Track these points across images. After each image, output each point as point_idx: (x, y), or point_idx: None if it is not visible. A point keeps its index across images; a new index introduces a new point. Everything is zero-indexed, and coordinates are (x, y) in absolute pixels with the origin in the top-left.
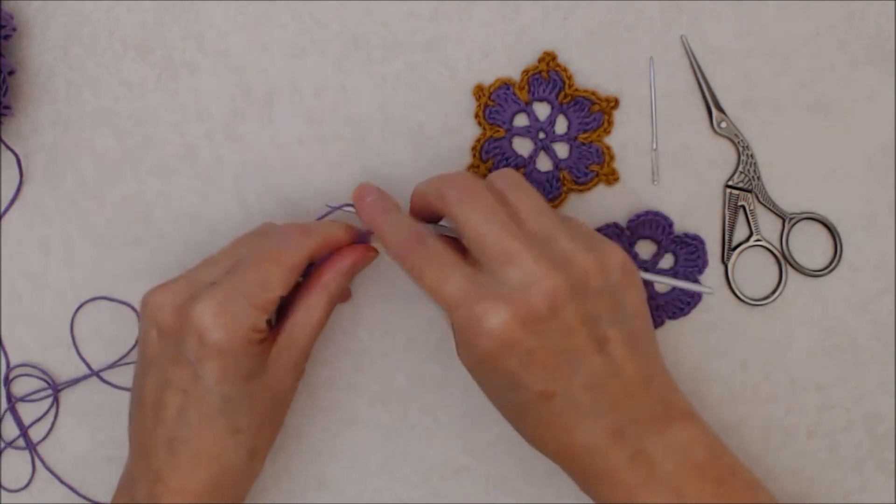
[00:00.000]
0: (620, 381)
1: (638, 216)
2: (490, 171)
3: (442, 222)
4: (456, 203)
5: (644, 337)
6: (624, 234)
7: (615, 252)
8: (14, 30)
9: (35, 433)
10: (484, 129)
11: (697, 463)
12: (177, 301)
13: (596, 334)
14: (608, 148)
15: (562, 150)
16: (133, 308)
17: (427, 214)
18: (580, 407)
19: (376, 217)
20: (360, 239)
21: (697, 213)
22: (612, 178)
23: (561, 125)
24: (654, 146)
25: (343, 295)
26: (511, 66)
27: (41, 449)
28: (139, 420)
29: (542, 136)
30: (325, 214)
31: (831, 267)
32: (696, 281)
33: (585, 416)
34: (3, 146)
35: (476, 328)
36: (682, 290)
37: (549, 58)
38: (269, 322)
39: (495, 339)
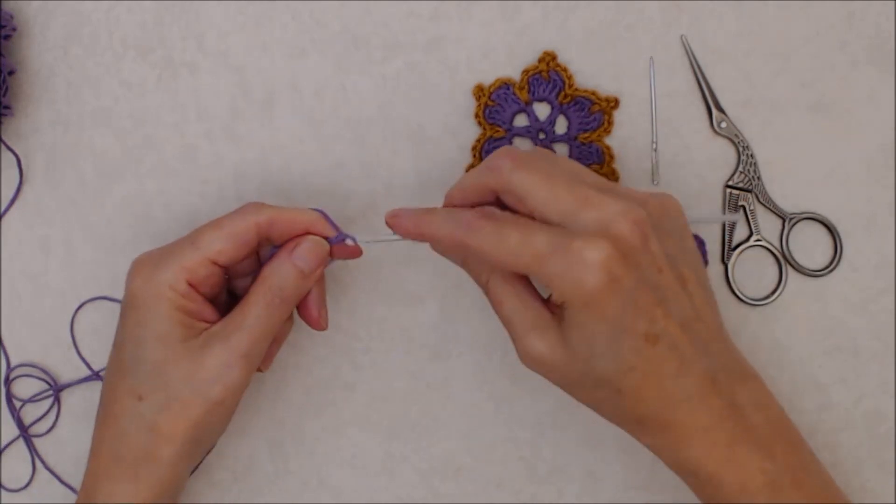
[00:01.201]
0: (705, 324)
1: None
2: None
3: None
4: (514, 169)
5: (708, 283)
6: None
7: (673, 198)
8: (14, 30)
9: (35, 432)
10: (484, 129)
11: (779, 420)
12: (136, 260)
13: (677, 272)
14: (608, 148)
15: (562, 150)
16: None
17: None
18: (679, 350)
19: (422, 219)
20: (333, 239)
21: (697, 213)
22: (612, 178)
23: (561, 125)
24: (654, 146)
25: (264, 363)
26: (511, 66)
27: (41, 449)
28: None
29: (542, 136)
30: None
31: (831, 267)
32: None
33: (686, 361)
34: (3, 146)
35: (579, 267)
36: None
37: (549, 58)
38: (214, 298)
39: (602, 272)
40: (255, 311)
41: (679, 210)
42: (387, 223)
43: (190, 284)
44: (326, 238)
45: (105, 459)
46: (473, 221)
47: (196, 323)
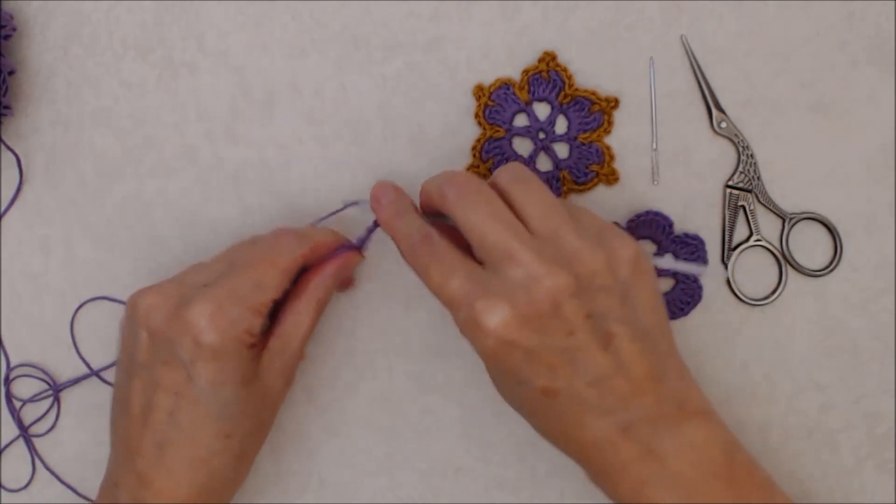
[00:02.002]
0: (628, 379)
1: (638, 216)
2: (490, 171)
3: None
4: (456, 203)
5: (656, 332)
6: None
7: (626, 246)
8: (14, 30)
9: (34, 433)
10: (484, 129)
11: (711, 462)
12: (169, 303)
13: (601, 332)
14: (608, 148)
15: (562, 150)
16: None
17: (434, 212)
18: (585, 404)
19: (391, 220)
20: (350, 245)
21: (697, 213)
22: (612, 178)
23: (561, 125)
24: (654, 146)
25: (345, 283)
26: (511, 66)
27: (41, 449)
28: (124, 423)
29: (542, 136)
30: (338, 210)
31: (831, 267)
32: (695, 280)
33: (591, 413)
34: (3, 146)
35: (476, 327)
36: (682, 290)
37: (549, 58)
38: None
39: (495, 337)
40: (308, 324)
41: (631, 260)
42: (370, 195)
43: (260, 324)
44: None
45: (188, 496)
46: (417, 245)
47: (260, 351)
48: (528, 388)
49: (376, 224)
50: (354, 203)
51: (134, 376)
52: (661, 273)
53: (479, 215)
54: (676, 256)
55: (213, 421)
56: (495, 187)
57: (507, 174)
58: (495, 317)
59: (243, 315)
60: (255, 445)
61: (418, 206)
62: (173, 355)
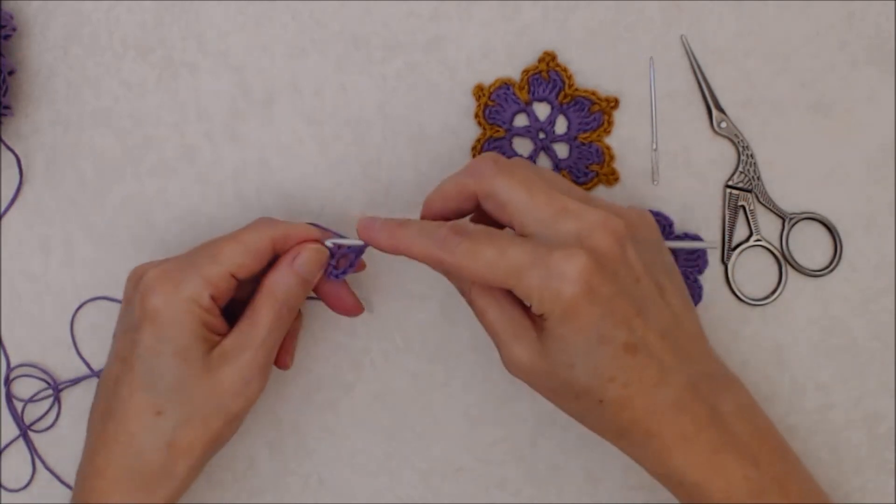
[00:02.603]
0: (685, 332)
1: None
2: None
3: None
4: (496, 174)
5: (687, 294)
6: None
7: (648, 214)
8: (14, 30)
9: (35, 433)
10: (484, 129)
11: (763, 427)
12: (137, 272)
13: (656, 281)
14: (608, 148)
15: (562, 150)
16: None
17: (451, 217)
18: (659, 359)
19: (395, 233)
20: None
21: (697, 213)
22: (612, 178)
23: (561, 125)
24: (654, 146)
25: (286, 359)
26: (511, 66)
27: (41, 449)
28: (96, 391)
29: (542, 136)
30: (339, 253)
31: (831, 267)
32: (695, 281)
33: (666, 370)
34: (3, 146)
35: (557, 279)
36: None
37: (549, 58)
38: (223, 307)
39: (580, 283)
40: (267, 323)
41: (654, 225)
42: (358, 233)
43: (212, 298)
44: (330, 248)
45: (115, 476)
46: (448, 238)
47: (213, 337)
48: (608, 347)
49: (362, 249)
50: (346, 244)
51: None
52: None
53: (519, 180)
54: (676, 258)
55: (144, 391)
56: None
57: (523, 162)
58: (576, 263)
59: (192, 281)
60: (193, 440)
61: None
62: (129, 321)
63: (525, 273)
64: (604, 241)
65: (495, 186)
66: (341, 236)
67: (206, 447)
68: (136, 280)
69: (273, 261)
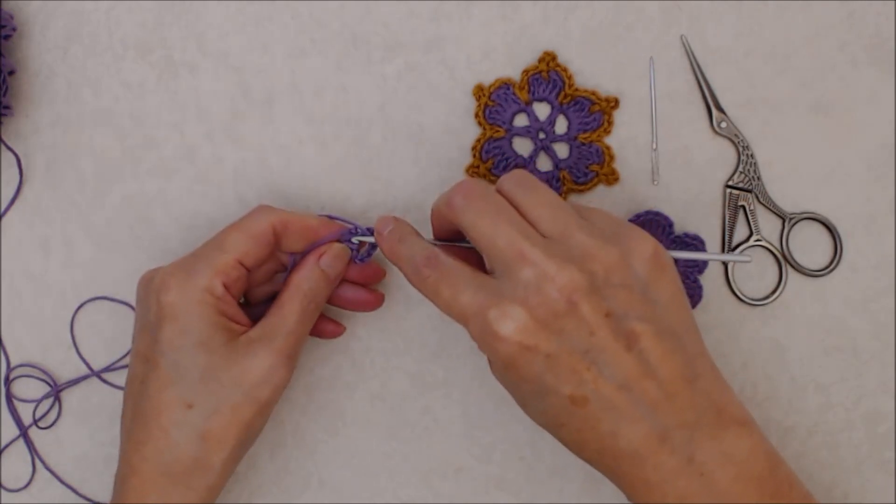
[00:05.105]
0: (657, 380)
1: (638, 216)
2: (490, 171)
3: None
4: (463, 209)
5: (682, 330)
6: None
7: (643, 241)
8: (14, 30)
9: (35, 433)
10: (484, 129)
11: (756, 476)
12: (149, 274)
13: (623, 331)
14: (608, 148)
15: (562, 150)
16: (133, 308)
17: (447, 232)
18: (616, 410)
19: (393, 247)
20: (342, 237)
21: (697, 213)
22: (612, 178)
23: (561, 125)
24: (654, 146)
25: (335, 329)
26: (511, 66)
27: (41, 449)
28: (123, 397)
29: (542, 136)
30: (357, 248)
31: (831, 267)
32: (695, 281)
33: (625, 420)
34: (3, 146)
35: (492, 336)
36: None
37: (549, 58)
38: (239, 303)
39: (513, 343)
40: (294, 314)
41: (650, 256)
42: (374, 232)
43: (224, 287)
44: (342, 238)
45: (152, 474)
46: (421, 268)
47: (234, 326)
48: (553, 397)
49: (374, 246)
50: (353, 234)
51: (130, 351)
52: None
53: (487, 218)
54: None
55: (172, 386)
56: (502, 193)
57: (511, 179)
58: (511, 322)
59: (202, 273)
60: (225, 431)
61: (432, 232)
62: (146, 320)
63: (470, 321)
64: (551, 298)
65: (463, 223)
66: (352, 223)
67: (239, 436)
68: (147, 282)
69: (273, 256)
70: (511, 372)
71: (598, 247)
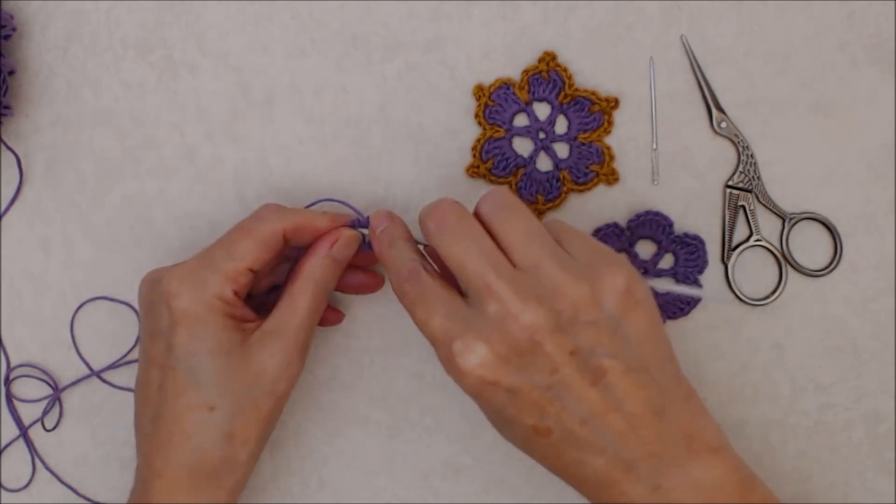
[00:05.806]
0: (623, 414)
1: (638, 216)
2: (490, 171)
3: None
4: (436, 235)
5: (655, 364)
6: (624, 234)
7: (617, 274)
8: (14, 30)
9: (35, 433)
10: (484, 129)
11: (727, 499)
12: (154, 276)
13: (589, 367)
14: (608, 148)
15: (562, 150)
16: (133, 308)
17: None
18: (580, 442)
19: (383, 250)
20: (351, 224)
21: (697, 213)
22: (612, 178)
23: (561, 125)
24: (654, 146)
25: (334, 317)
26: (511, 66)
27: (41, 449)
28: (135, 402)
29: (542, 136)
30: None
31: (831, 267)
32: (695, 281)
33: (588, 451)
34: (3, 146)
35: (456, 368)
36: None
37: (549, 58)
38: (243, 299)
39: (475, 378)
40: (305, 306)
41: (622, 290)
42: (368, 227)
43: (234, 293)
44: (353, 224)
45: (178, 475)
46: (403, 280)
47: (245, 325)
48: (518, 426)
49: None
50: (361, 224)
51: (139, 354)
52: (662, 274)
53: (459, 247)
54: (676, 259)
55: (192, 391)
56: (479, 216)
57: (490, 201)
58: (473, 357)
59: (213, 280)
60: (249, 427)
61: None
62: (156, 326)
63: (438, 347)
64: (513, 336)
65: (437, 248)
66: (360, 214)
67: (262, 431)
68: (153, 284)
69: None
70: (476, 399)
71: (567, 282)
